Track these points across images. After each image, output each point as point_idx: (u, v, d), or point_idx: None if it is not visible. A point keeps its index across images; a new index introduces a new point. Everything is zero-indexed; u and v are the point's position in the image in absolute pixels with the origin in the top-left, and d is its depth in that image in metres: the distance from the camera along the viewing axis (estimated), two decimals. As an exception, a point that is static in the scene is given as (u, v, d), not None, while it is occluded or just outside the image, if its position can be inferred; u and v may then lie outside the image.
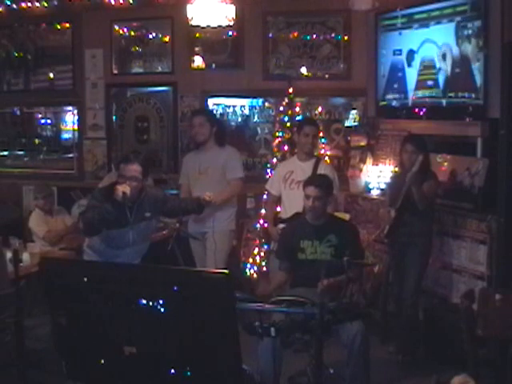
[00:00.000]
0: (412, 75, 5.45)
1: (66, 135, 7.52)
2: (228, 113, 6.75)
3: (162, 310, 2.07)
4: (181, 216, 4.71)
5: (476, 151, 4.90)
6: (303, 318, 2.99)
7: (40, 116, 7.70)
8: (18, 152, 7.70)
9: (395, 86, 5.68)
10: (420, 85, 5.38)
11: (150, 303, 2.07)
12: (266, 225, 5.74)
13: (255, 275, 6.10)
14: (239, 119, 6.75)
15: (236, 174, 5.27)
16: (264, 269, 5.98)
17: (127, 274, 2.24)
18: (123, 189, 4.06)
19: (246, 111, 6.73)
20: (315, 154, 5.50)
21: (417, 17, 5.36)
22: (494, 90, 4.52)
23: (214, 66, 6.66)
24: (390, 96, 5.76)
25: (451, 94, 5.03)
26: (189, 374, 2.10)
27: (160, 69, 6.97)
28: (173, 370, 2.11)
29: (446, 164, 5.08)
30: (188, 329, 2.07)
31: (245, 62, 6.62)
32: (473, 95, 4.80)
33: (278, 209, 5.47)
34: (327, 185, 4.40)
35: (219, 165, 5.20)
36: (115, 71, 7.11)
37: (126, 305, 2.13)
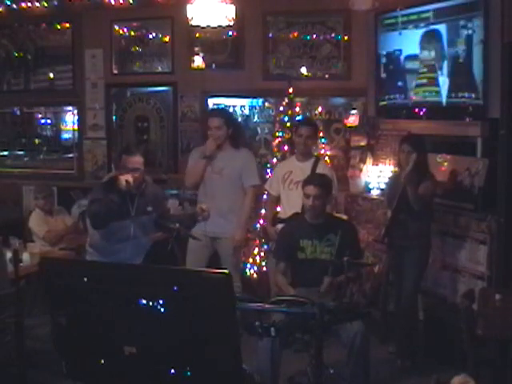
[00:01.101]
0: (412, 75, 5.46)
1: (65, 135, 7.53)
2: (228, 113, 6.76)
3: (162, 310, 2.06)
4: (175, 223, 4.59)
5: (476, 151, 4.90)
6: (303, 318, 2.99)
7: (40, 116, 7.70)
8: (18, 152, 7.70)
9: (395, 86, 5.68)
10: (420, 85, 5.38)
11: (150, 303, 2.07)
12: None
13: (255, 275, 6.10)
14: (239, 119, 6.75)
15: (253, 181, 5.19)
16: (264, 269, 5.99)
17: (127, 274, 2.24)
18: (126, 178, 4.08)
19: (246, 111, 6.73)
20: (315, 154, 5.51)
21: (417, 17, 5.36)
22: (494, 90, 4.52)
23: (214, 66, 6.66)
24: (389, 96, 5.76)
25: (451, 94, 5.03)
26: (189, 374, 2.10)
27: (160, 69, 6.98)
28: (173, 370, 2.11)
29: (445, 164, 5.08)
30: (188, 329, 2.07)
31: (245, 62, 6.62)
32: (473, 95, 4.80)
33: (278, 209, 5.47)
34: (326, 184, 4.40)
35: (236, 167, 5.11)
36: (115, 71, 7.11)
37: (126, 305, 2.13)
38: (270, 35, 6.52)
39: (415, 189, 4.54)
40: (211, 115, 5.26)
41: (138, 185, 4.23)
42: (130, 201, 4.21)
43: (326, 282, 3.96)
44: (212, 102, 6.77)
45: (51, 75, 7.38)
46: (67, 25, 7.24)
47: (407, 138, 4.90)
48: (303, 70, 6.39)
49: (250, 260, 6.14)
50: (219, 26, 5.65)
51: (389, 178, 5.29)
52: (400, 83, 5.60)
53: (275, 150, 6.05)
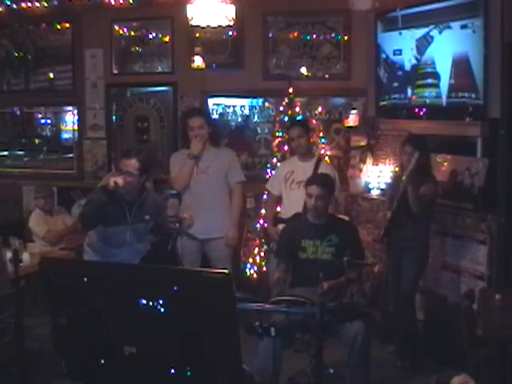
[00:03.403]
0: (412, 75, 5.46)
1: (65, 135, 7.52)
2: (228, 113, 6.75)
3: (162, 310, 2.06)
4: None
5: (476, 151, 4.90)
6: (303, 318, 3.00)
7: (40, 116, 7.69)
8: (18, 152, 7.69)
9: (395, 86, 5.68)
10: (420, 85, 5.38)
11: (150, 303, 2.07)
12: (265, 225, 5.74)
13: (255, 275, 6.10)
14: (239, 119, 6.74)
15: (239, 178, 5.24)
16: (264, 269, 5.98)
17: (127, 274, 2.24)
18: (115, 179, 4.07)
19: (246, 111, 6.72)
20: (315, 153, 5.51)
21: (417, 17, 5.36)
22: (494, 90, 4.52)
23: (214, 65, 6.66)
24: (389, 96, 5.76)
25: (451, 94, 5.03)
26: (189, 374, 2.10)
27: (160, 69, 6.97)
28: (173, 370, 2.11)
29: (446, 164, 5.09)
30: (188, 329, 2.07)
31: (245, 62, 6.62)
32: (473, 95, 4.80)
33: (278, 209, 5.47)
34: (329, 184, 4.41)
35: (222, 165, 5.15)
36: (115, 71, 7.11)
37: (126, 305, 2.13)
38: (270, 35, 6.51)
39: (416, 190, 4.53)
40: (192, 115, 5.21)
41: (136, 194, 4.21)
42: (127, 208, 4.21)
43: (323, 286, 3.96)
44: (212, 102, 6.77)
45: (51, 75, 7.37)
46: (67, 25, 7.23)
47: (409, 138, 4.90)
48: (303, 70, 6.39)
49: (250, 260, 6.15)
50: (219, 26, 5.65)
51: (390, 178, 5.30)
52: (400, 83, 5.61)
53: (275, 150, 6.05)
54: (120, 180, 4.06)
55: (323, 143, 6.05)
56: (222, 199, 5.17)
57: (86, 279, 2.19)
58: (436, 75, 5.17)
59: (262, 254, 6.02)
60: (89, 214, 4.21)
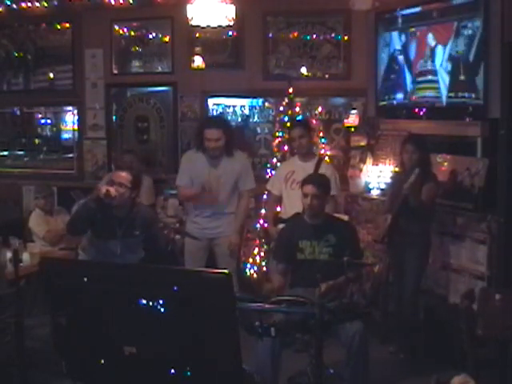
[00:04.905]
0: (412, 75, 5.46)
1: (66, 135, 7.52)
2: (228, 113, 6.75)
3: (162, 310, 2.06)
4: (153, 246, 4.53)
5: (476, 151, 4.90)
6: (303, 318, 2.99)
7: (40, 116, 7.70)
8: (18, 152, 7.70)
9: (395, 86, 5.68)
10: (420, 85, 5.38)
11: (150, 303, 2.07)
12: (266, 225, 5.74)
13: (255, 275, 6.10)
14: (239, 119, 6.74)
15: (250, 185, 5.18)
16: (264, 269, 5.98)
17: (127, 274, 2.24)
18: (108, 187, 4.08)
19: (246, 111, 6.72)
20: (316, 154, 5.51)
21: (417, 16, 5.36)
22: (494, 90, 4.52)
23: (213, 66, 6.66)
24: (389, 96, 5.76)
25: (451, 94, 5.03)
26: (189, 374, 2.10)
27: (160, 69, 6.98)
28: (173, 370, 2.11)
29: (446, 164, 5.08)
30: (188, 329, 2.07)
31: (245, 62, 6.62)
32: (473, 95, 4.80)
33: (278, 209, 5.46)
34: (325, 184, 4.40)
35: (233, 173, 5.06)
36: (115, 71, 7.11)
37: (126, 305, 2.13)
38: (270, 35, 6.52)
39: (418, 198, 4.54)
40: (209, 126, 5.00)
41: (127, 208, 4.21)
42: (117, 223, 4.21)
43: (321, 288, 3.96)
44: (212, 102, 6.77)
45: (51, 75, 7.38)
46: (67, 25, 7.23)
47: (410, 138, 4.91)
48: (303, 70, 6.39)
49: (250, 260, 6.14)
50: (219, 26, 5.64)
51: (390, 178, 5.30)
52: (400, 83, 5.60)
53: (275, 150, 6.05)
54: (112, 189, 4.08)
55: (323, 143, 6.05)
56: (232, 204, 5.12)
57: (86, 279, 2.18)
58: (436, 75, 5.17)
59: (262, 253, 6.02)
60: (74, 221, 4.30)
